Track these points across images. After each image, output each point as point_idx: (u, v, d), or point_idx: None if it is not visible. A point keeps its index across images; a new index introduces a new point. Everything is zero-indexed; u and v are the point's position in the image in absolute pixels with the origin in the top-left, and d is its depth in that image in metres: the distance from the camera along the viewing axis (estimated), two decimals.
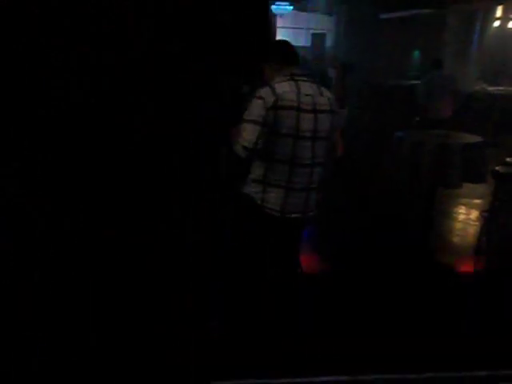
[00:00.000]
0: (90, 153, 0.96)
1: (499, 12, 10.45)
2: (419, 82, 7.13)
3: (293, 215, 2.37)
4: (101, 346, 1.05)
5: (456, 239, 4.45)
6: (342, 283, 3.36)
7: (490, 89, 9.59)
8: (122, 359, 1.08)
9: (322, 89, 2.38)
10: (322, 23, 14.57)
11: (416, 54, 12.76)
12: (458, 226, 4.76)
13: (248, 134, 2.24)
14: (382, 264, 3.65)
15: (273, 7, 12.83)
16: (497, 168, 3.77)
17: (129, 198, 1.00)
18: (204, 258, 2.64)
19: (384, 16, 12.35)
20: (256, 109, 2.25)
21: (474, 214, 4.94)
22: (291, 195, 2.33)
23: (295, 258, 2.65)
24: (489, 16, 10.38)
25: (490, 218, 3.93)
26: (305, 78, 2.34)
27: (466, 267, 3.79)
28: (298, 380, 2.40)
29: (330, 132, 2.38)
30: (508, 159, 4.00)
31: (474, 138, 3.65)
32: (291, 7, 13.03)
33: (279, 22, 13.93)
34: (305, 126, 2.26)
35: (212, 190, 2.83)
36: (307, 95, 2.28)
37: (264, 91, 2.26)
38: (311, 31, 14.44)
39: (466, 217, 4.96)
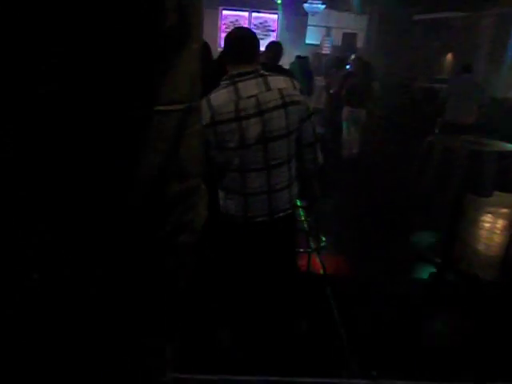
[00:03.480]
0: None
1: None
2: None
3: (258, 219, 2.16)
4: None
5: (481, 247, 4.38)
6: (358, 286, 3.35)
7: None
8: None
9: (271, 81, 2.08)
10: (354, 23, 14.45)
11: (449, 56, 12.57)
12: (484, 234, 4.70)
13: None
14: (402, 268, 3.63)
15: (305, 5, 12.78)
16: None
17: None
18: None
19: (417, 17, 12.20)
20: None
21: (501, 222, 4.87)
22: (250, 200, 2.13)
23: (284, 262, 2.40)
24: None
25: None
26: (249, 76, 2.06)
27: (493, 276, 3.75)
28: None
29: (289, 126, 2.09)
30: None
31: (508, 147, 3.58)
32: (323, 6, 12.94)
33: (311, 21, 13.89)
34: (250, 133, 2.04)
35: None
36: (249, 97, 2.04)
37: (202, 106, 1.99)
38: (343, 31, 14.32)
39: (492, 225, 4.89)
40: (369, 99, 6.83)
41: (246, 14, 13.94)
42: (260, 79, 2.06)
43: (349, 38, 14.11)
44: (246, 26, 14.05)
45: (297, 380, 2.36)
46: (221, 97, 2.04)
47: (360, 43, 14.34)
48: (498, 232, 4.64)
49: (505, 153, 3.30)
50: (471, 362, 2.63)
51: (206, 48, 2.67)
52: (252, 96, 2.03)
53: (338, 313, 2.93)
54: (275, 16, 14.03)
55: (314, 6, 12.83)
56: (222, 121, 2.02)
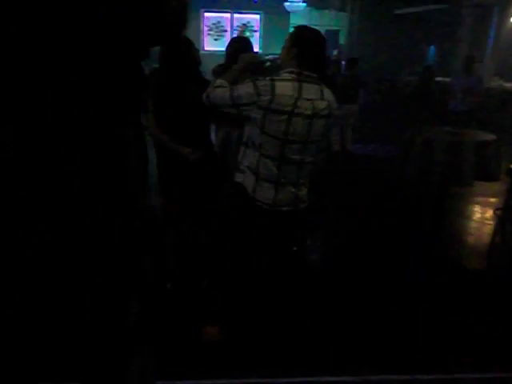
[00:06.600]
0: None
1: None
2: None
3: (283, 208, 2.38)
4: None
5: (470, 238, 4.39)
6: (346, 279, 3.34)
7: (507, 85, 9.45)
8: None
9: (325, 91, 2.29)
10: (336, 20, 14.48)
11: (431, 49, 12.62)
12: (473, 224, 4.70)
13: (215, 90, 2.26)
14: (392, 262, 3.62)
15: (285, 4, 12.77)
16: (511, 166, 3.71)
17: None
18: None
19: (398, 12, 12.23)
20: (243, 92, 2.18)
21: (490, 212, 4.88)
22: (280, 190, 2.34)
23: (290, 249, 2.69)
24: (505, 11, 10.21)
25: (503, 216, 3.88)
26: (311, 80, 2.25)
27: (480, 266, 3.75)
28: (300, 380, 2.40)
29: (323, 135, 2.34)
30: None
31: (488, 136, 3.58)
32: (304, 4, 12.94)
33: (293, 20, 13.89)
34: (297, 131, 2.22)
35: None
36: (307, 100, 2.21)
37: (263, 85, 2.16)
38: (325, 28, 14.33)
39: (481, 215, 4.90)
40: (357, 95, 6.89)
41: (227, 15, 13.90)
42: (318, 87, 2.26)
43: (331, 36, 14.13)
44: (228, 27, 14.04)
45: (284, 381, 2.35)
46: (286, 88, 2.18)
47: (342, 40, 14.37)
48: (488, 222, 4.64)
49: (483, 142, 3.29)
50: (458, 351, 2.63)
51: (188, 44, 2.73)
52: (309, 99, 2.21)
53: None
54: (257, 16, 14.02)
55: (295, 4, 12.83)
56: (277, 110, 2.17)
